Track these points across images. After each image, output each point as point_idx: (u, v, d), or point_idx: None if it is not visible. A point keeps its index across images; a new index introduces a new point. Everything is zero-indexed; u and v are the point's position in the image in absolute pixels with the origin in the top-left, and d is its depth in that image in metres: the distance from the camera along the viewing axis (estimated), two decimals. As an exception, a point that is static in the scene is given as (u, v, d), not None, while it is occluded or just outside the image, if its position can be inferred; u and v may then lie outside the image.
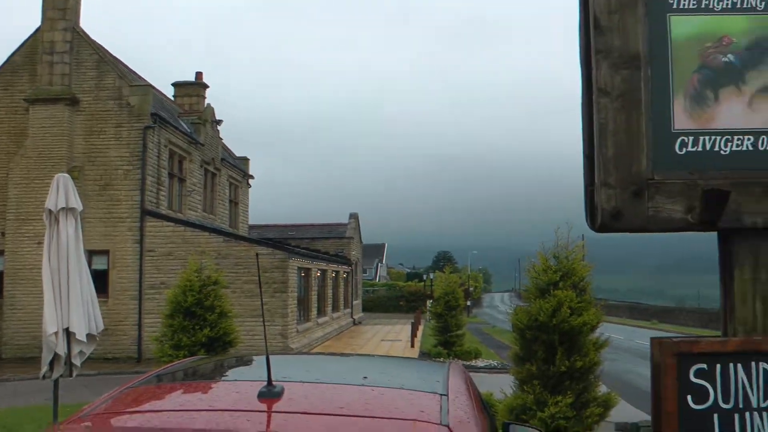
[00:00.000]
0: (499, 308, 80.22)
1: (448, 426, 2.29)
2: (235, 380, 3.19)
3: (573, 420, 9.17)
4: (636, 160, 2.61)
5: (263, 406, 2.40)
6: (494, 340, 35.54)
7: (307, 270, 29.82)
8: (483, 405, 3.35)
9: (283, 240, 32.57)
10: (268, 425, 2.30)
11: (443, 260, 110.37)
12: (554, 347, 9.50)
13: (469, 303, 67.06)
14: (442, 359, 24.46)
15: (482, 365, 24.33)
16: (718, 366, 2.63)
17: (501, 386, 12.10)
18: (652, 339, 2.65)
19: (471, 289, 76.11)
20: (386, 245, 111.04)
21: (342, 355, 6.30)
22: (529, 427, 4.35)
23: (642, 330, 48.07)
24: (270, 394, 2.45)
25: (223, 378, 3.31)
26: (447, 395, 2.68)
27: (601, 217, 2.59)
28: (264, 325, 2.68)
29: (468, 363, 24.43)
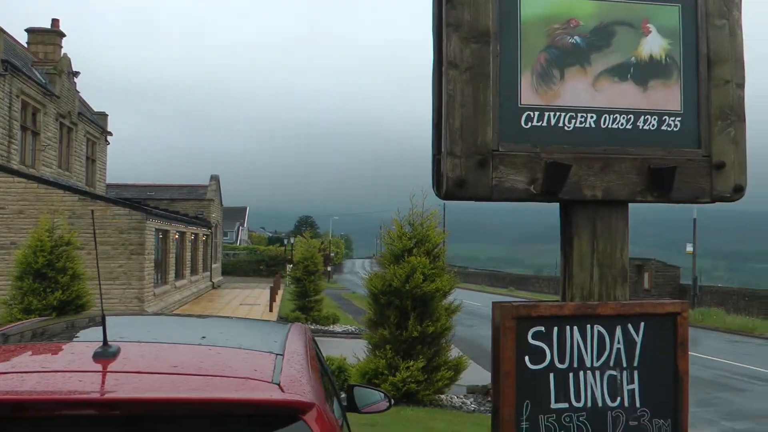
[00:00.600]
0: (359, 274, 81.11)
1: (278, 384, 2.33)
2: (71, 341, 3.13)
3: (424, 384, 9.49)
4: (482, 131, 2.71)
5: (97, 367, 2.38)
6: (353, 305, 35.95)
7: (165, 232, 29.13)
8: (323, 366, 3.41)
9: (142, 200, 31.62)
10: (101, 385, 2.28)
11: (305, 225, 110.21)
12: (407, 312, 9.74)
13: (329, 269, 67.40)
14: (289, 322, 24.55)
15: (340, 330, 24.59)
16: (556, 329, 2.79)
17: (356, 351, 12.32)
18: (494, 303, 2.79)
19: (332, 254, 76.46)
20: (248, 209, 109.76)
21: (184, 315, 6.24)
22: (373, 389, 4.46)
23: (499, 297, 49.81)
24: (105, 354, 2.44)
25: (58, 339, 3.23)
26: (283, 355, 2.73)
27: (446, 185, 2.68)
28: (99, 285, 2.66)
29: (325, 328, 24.63)
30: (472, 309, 31.29)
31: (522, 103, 2.79)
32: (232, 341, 3.14)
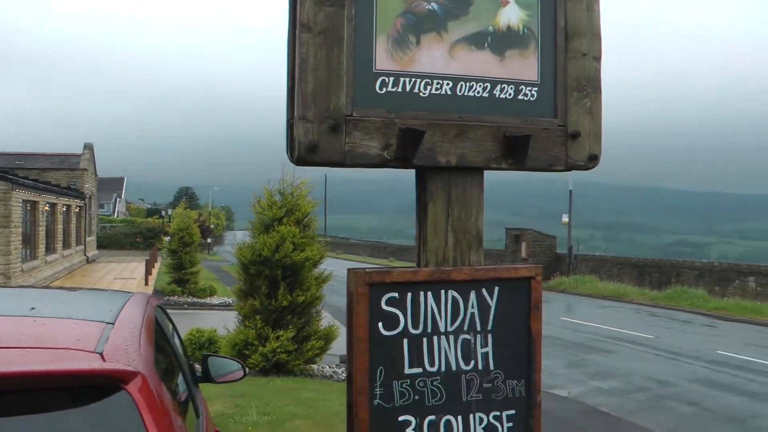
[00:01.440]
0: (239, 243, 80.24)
1: (101, 353, 2.24)
2: None
3: (294, 354, 9.44)
4: (335, 96, 2.67)
5: None
6: (231, 277, 35.52)
7: (34, 203, 27.93)
8: (165, 337, 3.34)
9: (9, 170, 30.18)
10: None
11: (184, 196, 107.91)
12: (277, 282, 9.65)
13: (209, 240, 66.23)
14: (166, 297, 24.06)
15: (217, 303, 24.31)
16: (409, 294, 2.80)
17: (228, 323, 12.12)
18: (349, 270, 2.77)
19: (212, 226, 75.23)
20: (125, 180, 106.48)
21: (22, 287, 5.96)
22: (229, 359, 4.42)
23: (380, 267, 50.28)
24: None
25: None
26: (113, 324, 2.63)
27: (299, 150, 2.63)
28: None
29: (202, 301, 24.27)
30: (353, 281, 31.48)
31: (377, 68, 2.76)
32: (63, 311, 2.99)
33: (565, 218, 44.00)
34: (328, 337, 10.07)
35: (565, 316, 25.01)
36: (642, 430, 10.50)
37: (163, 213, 67.77)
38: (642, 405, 12.16)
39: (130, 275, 33.22)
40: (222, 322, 13.08)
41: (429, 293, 2.83)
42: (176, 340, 3.89)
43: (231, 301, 24.01)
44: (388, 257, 66.09)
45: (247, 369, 4.38)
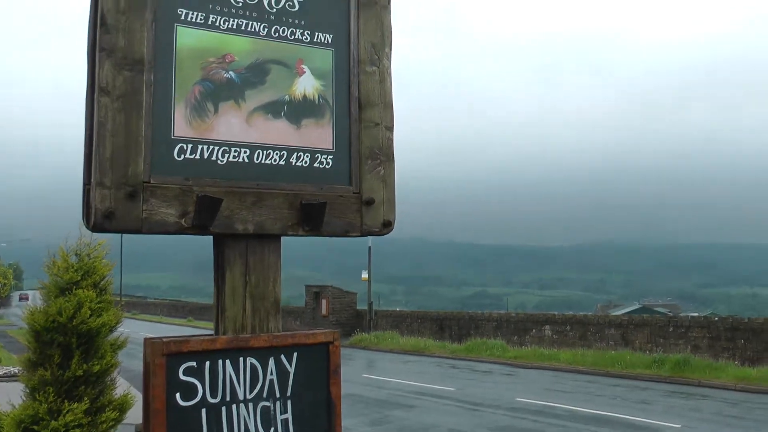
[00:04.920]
0: (31, 307, 75.34)
1: None
2: None
3: (87, 426, 8.92)
4: (133, 162, 2.64)
5: None
6: (20, 344, 33.23)
7: None
8: None
9: None
10: None
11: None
12: (71, 350, 9.12)
13: (-5, 302, 61.67)
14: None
15: (0, 373, 22.61)
16: (208, 363, 2.77)
17: (12, 397, 11.26)
18: (145, 339, 2.71)
19: (-1, 286, 70.24)
20: None
21: None
22: None
23: (177, 327, 49.01)
24: None
25: None
26: None
27: (95, 217, 2.58)
28: None
29: (-17, 370, 22.50)
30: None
31: (175, 134, 2.76)
32: None
33: (364, 274, 44.82)
34: (123, 407, 9.54)
35: (367, 373, 25.29)
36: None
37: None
38: (444, 456, 12.49)
39: None
40: (5, 396, 12.16)
41: (227, 361, 2.82)
42: None
43: (17, 371, 22.37)
44: (186, 316, 64.44)
45: None
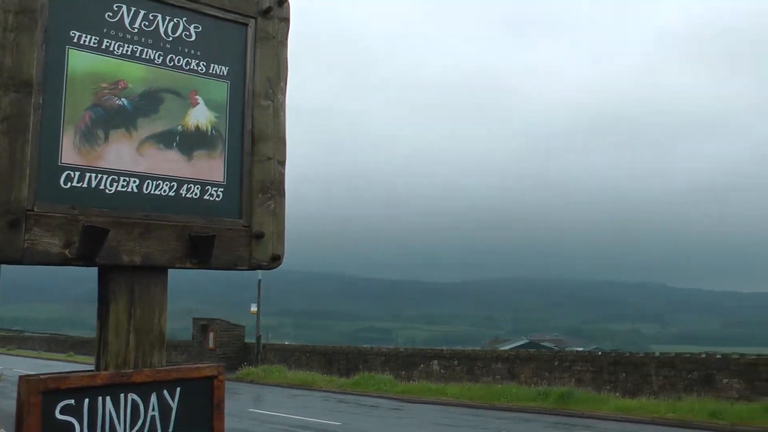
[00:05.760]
0: None
1: None
2: None
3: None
4: (17, 188, 2.54)
5: None
6: None
7: None
8: None
9: None
10: None
11: None
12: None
13: None
14: None
15: None
16: (87, 400, 2.67)
17: None
18: (21, 377, 2.59)
19: None
20: None
21: None
22: None
23: (57, 363, 47.15)
24: None
25: None
26: None
27: (-30, 246, 2.46)
28: None
29: None
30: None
31: (63, 161, 2.67)
32: None
33: (253, 307, 44.36)
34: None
35: (253, 408, 24.92)
36: None
37: None
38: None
39: None
40: None
41: (108, 398, 2.72)
42: None
43: None
44: (67, 351, 61.96)
45: None
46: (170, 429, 2.89)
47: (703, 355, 27.49)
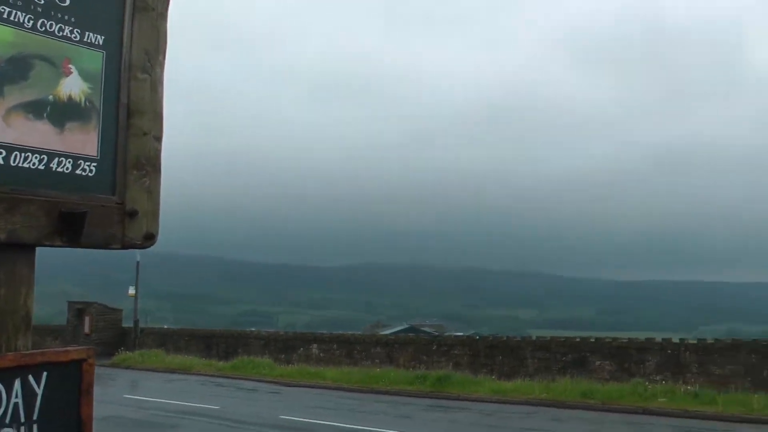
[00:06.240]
0: None
1: None
2: None
3: None
4: None
5: None
6: None
7: None
8: None
9: None
10: None
11: None
12: None
13: None
14: None
15: None
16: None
17: None
18: None
19: None
20: None
21: None
22: None
23: None
24: None
25: None
26: None
27: None
28: None
29: None
30: None
31: None
32: None
33: (131, 290, 43.30)
34: None
35: (129, 394, 24.33)
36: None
37: None
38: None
39: None
40: None
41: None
42: None
43: None
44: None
45: None
46: (34, 416, 2.74)
47: (578, 339, 28.65)
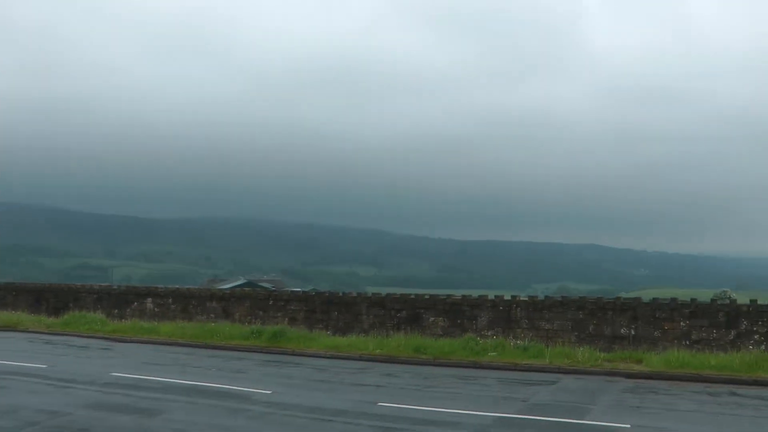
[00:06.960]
0: None
1: None
2: None
3: None
4: None
5: None
6: None
7: None
8: None
9: None
10: None
11: None
12: None
13: None
14: None
15: None
16: None
17: None
18: None
19: None
20: None
21: None
22: None
23: None
24: None
25: None
26: None
27: None
28: None
29: None
30: None
31: None
32: None
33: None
34: None
35: (-57, 356, 23.04)
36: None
37: None
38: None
39: None
40: None
41: None
42: None
43: None
44: None
45: None
46: None
47: (413, 296, 29.61)
